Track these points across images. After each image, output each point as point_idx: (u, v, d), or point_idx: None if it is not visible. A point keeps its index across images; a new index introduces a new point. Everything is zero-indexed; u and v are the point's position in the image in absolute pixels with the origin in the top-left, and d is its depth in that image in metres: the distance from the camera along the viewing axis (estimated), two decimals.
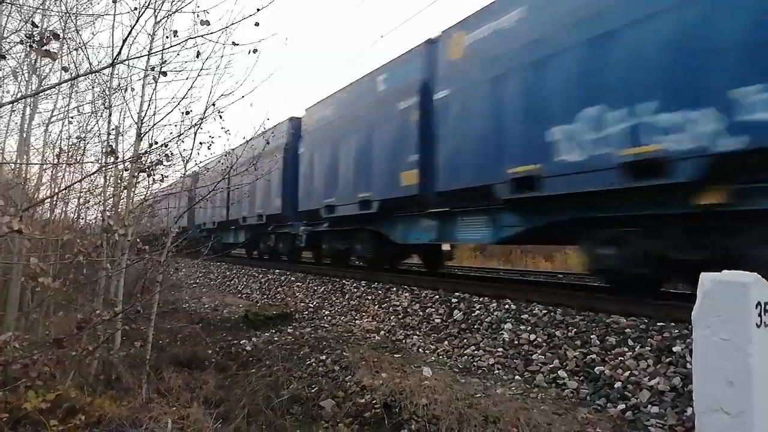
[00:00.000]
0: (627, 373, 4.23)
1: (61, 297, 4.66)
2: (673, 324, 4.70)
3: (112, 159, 3.64)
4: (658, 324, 4.79)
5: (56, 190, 5.65)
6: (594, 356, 4.66)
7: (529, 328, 5.63)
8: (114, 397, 4.38)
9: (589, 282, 10.04)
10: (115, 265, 4.79)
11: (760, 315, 2.82)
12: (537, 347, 5.21)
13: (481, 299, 6.85)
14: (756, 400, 2.76)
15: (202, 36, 3.23)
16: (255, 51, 3.83)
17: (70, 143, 6.47)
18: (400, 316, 7.28)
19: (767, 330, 2.86)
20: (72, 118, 6.21)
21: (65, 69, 3.00)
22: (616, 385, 4.14)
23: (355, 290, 9.22)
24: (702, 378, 3.02)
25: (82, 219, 7.19)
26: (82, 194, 6.53)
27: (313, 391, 5.07)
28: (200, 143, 5.34)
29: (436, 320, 6.73)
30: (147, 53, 3.84)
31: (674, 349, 4.28)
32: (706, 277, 2.98)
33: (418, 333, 6.56)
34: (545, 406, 3.94)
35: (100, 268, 4.81)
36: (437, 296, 7.50)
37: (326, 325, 7.72)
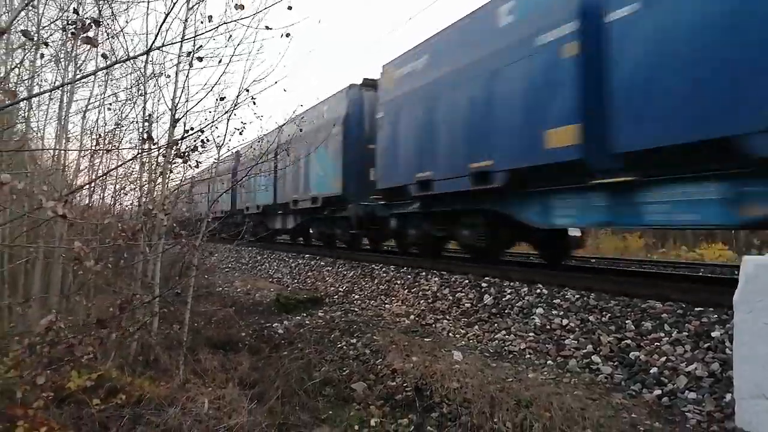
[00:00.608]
0: (663, 359, 4.16)
1: (102, 280, 4.80)
2: (711, 309, 4.59)
3: (148, 145, 3.72)
4: (696, 309, 4.69)
5: (94, 177, 5.81)
6: (629, 341, 4.59)
7: (562, 312, 5.56)
8: (153, 378, 4.52)
9: (620, 267, 9.89)
10: (152, 249, 4.91)
11: None
12: (570, 332, 5.16)
13: (511, 284, 6.80)
14: None
15: (235, 21, 3.24)
16: (288, 35, 3.83)
17: (107, 130, 6.63)
18: (429, 301, 7.28)
19: None
20: (109, 105, 6.35)
21: (105, 56, 3.06)
22: (651, 371, 4.08)
23: (385, 274, 9.26)
24: (743, 363, 2.95)
25: (119, 205, 7.37)
26: (118, 180, 6.70)
27: (344, 373, 5.13)
28: (234, 129, 5.39)
29: (466, 305, 6.72)
30: (180, 40, 3.88)
31: (713, 334, 4.18)
32: (750, 261, 2.90)
33: (448, 317, 6.56)
34: (578, 391, 3.90)
35: (138, 252, 4.94)
36: (467, 281, 7.48)
37: (356, 309, 7.78)
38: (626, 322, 4.89)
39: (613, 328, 4.89)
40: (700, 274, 8.13)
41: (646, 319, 4.81)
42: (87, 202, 6.89)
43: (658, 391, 3.82)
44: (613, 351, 4.57)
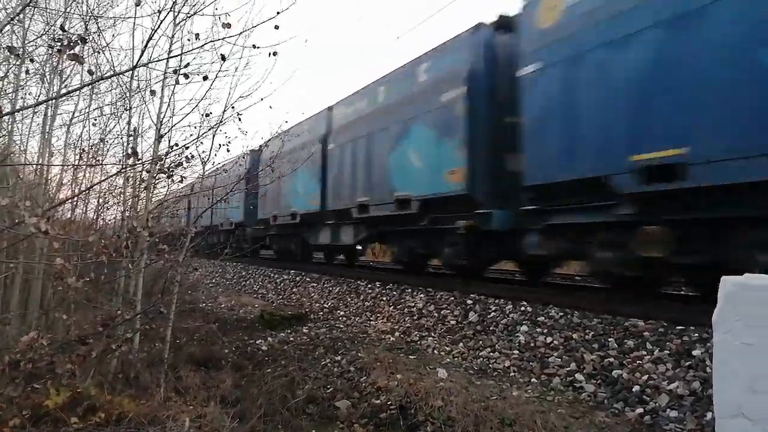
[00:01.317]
0: (645, 377, 4.19)
1: (82, 296, 4.73)
2: (692, 327, 4.64)
3: (133, 160, 3.70)
4: (677, 327, 4.74)
5: (77, 191, 5.75)
6: (612, 359, 4.62)
7: (546, 330, 5.59)
8: (133, 396, 4.44)
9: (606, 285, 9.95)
10: (134, 265, 4.86)
11: None
12: (553, 350, 5.18)
13: (496, 301, 6.82)
14: None
15: (221, 39, 3.26)
16: (275, 54, 3.86)
17: (91, 144, 6.58)
18: (415, 318, 7.27)
19: None
20: (93, 119, 6.32)
21: (90, 72, 3.06)
22: (634, 389, 4.10)
23: (370, 291, 9.23)
24: (723, 383, 2.98)
25: (102, 219, 7.29)
26: (102, 195, 6.63)
27: (328, 391, 5.09)
28: (219, 145, 5.39)
29: (451, 322, 6.72)
30: (167, 56, 3.89)
31: (694, 352, 4.23)
32: (728, 280, 2.94)
33: (433, 334, 6.55)
34: (562, 410, 3.91)
35: (120, 268, 4.88)
36: (452, 297, 7.48)
37: (341, 326, 7.75)
38: (609, 340, 4.92)
39: (596, 346, 4.93)
40: (682, 292, 8.20)
41: (629, 338, 4.85)
42: (69, 216, 6.82)
43: (640, 410, 3.85)
44: (596, 369, 4.60)
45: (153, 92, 4.49)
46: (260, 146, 14.26)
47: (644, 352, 4.53)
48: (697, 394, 3.78)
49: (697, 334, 4.47)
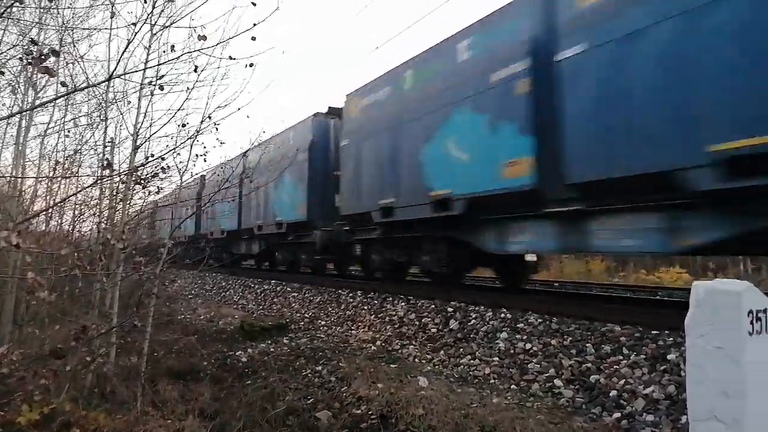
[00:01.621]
0: (622, 382, 4.25)
1: (56, 310, 4.64)
2: (667, 332, 4.72)
3: (108, 172, 3.66)
4: (652, 332, 4.82)
5: (52, 203, 5.66)
6: (589, 365, 4.68)
7: (525, 337, 5.64)
8: (109, 411, 4.36)
9: (582, 291, 10.09)
10: (110, 277, 4.79)
11: (752, 323, 2.85)
12: (533, 356, 5.22)
13: (476, 308, 6.86)
14: (750, 408, 2.78)
15: (197, 51, 3.26)
16: (252, 65, 3.86)
17: (66, 156, 6.49)
18: (396, 326, 7.28)
19: (759, 338, 2.89)
20: (68, 130, 6.23)
21: (64, 84, 3.03)
22: (611, 394, 4.16)
23: (351, 300, 9.21)
24: (695, 386, 3.04)
25: (78, 231, 7.18)
26: (77, 206, 6.53)
27: (309, 402, 5.06)
28: (196, 155, 5.36)
29: (432, 330, 6.73)
30: (143, 67, 3.87)
31: (669, 356, 4.30)
32: (699, 286, 3.01)
33: (414, 343, 6.56)
34: (541, 416, 3.94)
35: (96, 281, 4.80)
36: (433, 306, 7.51)
37: (322, 336, 7.71)
38: (587, 345, 4.99)
39: (574, 352, 4.98)
40: (658, 297, 8.35)
41: (606, 343, 4.92)
42: (44, 228, 6.70)
43: (617, 414, 3.90)
44: (574, 374, 4.65)
45: (129, 103, 4.46)
46: (247, 150, 14.10)
47: (621, 357, 4.60)
48: (673, 398, 3.84)
49: (671, 339, 4.55)
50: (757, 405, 2.82)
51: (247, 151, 8.16)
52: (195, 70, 3.53)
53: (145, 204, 6.86)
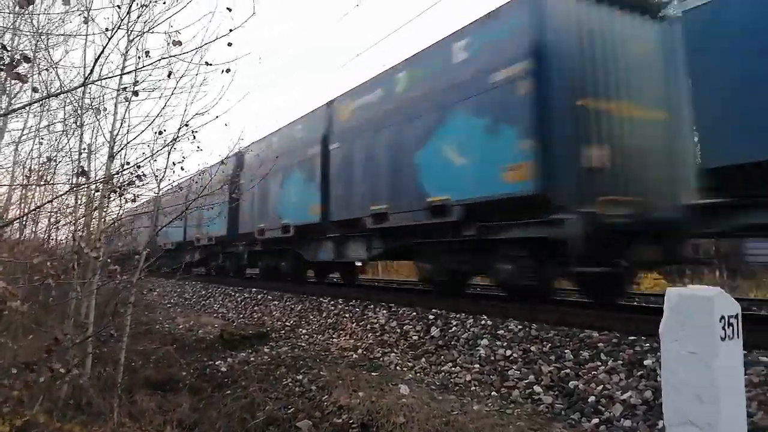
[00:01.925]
0: (600, 387, 4.30)
1: (30, 320, 4.54)
2: (644, 338, 4.79)
3: (84, 180, 3.60)
4: (629, 338, 4.88)
5: (26, 211, 5.55)
6: (568, 371, 4.72)
7: (505, 343, 5.67)
8: (84, 422, 4.28)
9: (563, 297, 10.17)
10: (85, 286, 4.70)
11: (724, 328, 2.91)
12: (513, 363, 5.26)
13: (458, 315, 6.88)
14: (723, 412, 2.83)
15: (175, 57, 3.23)
16: (228, 71, 3.84)
17: (41, 163, 6.37)
18: (377, 334, 7.26)
19: (731, 342, 2.95)
20: (42, 137, 6.13)
21: (35, 90, 2.98)
22: (589, 400, 4.20)
23: (333, 308, 9.18)
24: (671, 391, 3.08)
25: (53, 239, 7.05)
26: (52, 214, 6.41)
27: (289, 412, 5.01)
28: (173, 163, 5.30)
29: (413, 337, 6.74)
30: (119, 73, 3.83)
31: (645, 362, 4.37)
32: (672, 292, 3.06)
33: (395, 350, 6.55)
34: (521, 422, 3.96)
35: (71, 290, 4.71)
36: (414, 313, 7.51)
37: (303, 344, 7.66)
38: (566, 351, 5.03)
39: (553, 358, 5.03)
40: (635, 303, 8.46)
41: (584, 349, 4.97)
42: (18, 236, 6.57)
43: (596, 420, 3.94)
44: (553, 381, 4.68)
45: (104, 109, 4.40)
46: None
47: (599, 363, 4.65)
48: (649, 403, 3.90)
49: (648, 344, 4.62)
50: (730, 409, 2.88)
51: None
52: (169, 76, 3.51)
53: (121, 212, 6.77)
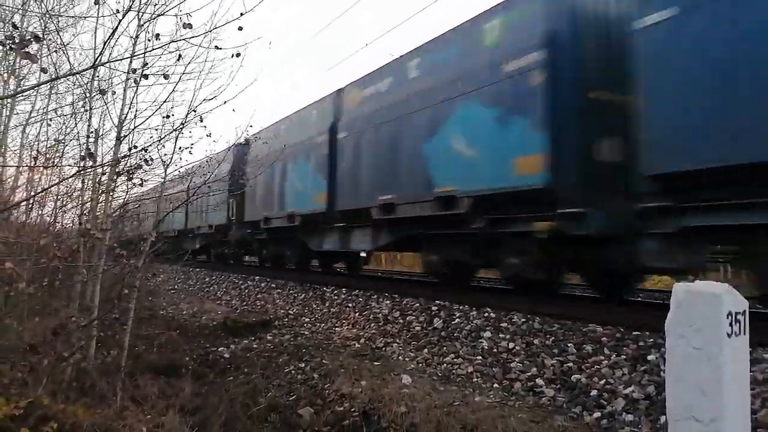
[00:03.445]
0: (603, 381, 4.29)
1: (36, 302, 4.56)
2: (648, 333, 4.78)
3: (91, 163, 3.60)
4: (633, 333, 4.87)
5: (32, 193, 5.57)
6: (571, 364, 4.71)
7: (508, 336, 5.67)
8: (87, 405, 4.30)
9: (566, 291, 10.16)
10: (91, 269, 4.72)
11: (731, 324, 2.89)
12: (515, 355, 5.25)
13: (461, 307, 6.88)
14: (727, 408, 2.82)
15: (184, 39, 3.21)
16: (238, 55, 3.82)
17: (48, 145, 6.38)
18: (380, 324, 7.27)
19: (738, 339, 2.93)
20: (50, 120, 6.13)
21: (44, 71, 2.97)
22: (592, 393, 4.19)
23: (336, 297, 9.19)
24: (674, 386, 3.07)
25: (59, 223, 7.07)
26: (59, 198, 6.43)
27: (291, 399, 5.03)
28: (180, 148, 5.29)
29: (416, 328, 6.74)
30: (129, 56, 3.82)
31: (649, 357, 4.35)
32: (679, 288, 3.04)
33: (398, 341, 6.56)
34: (523, 414, 3.96)
35: (76, 273, 4.73)
36: (418, 304, 7.52)
37: (306, 333, 7.68)
38: (569, 345, 5.03)
39: (556, 351, 5.02)
40: (639, 299, 8.44)
41: (588, 343, 4.96)
42: (24, 219, 6.59)
43: (597, 414, 3.93)
44: (555, 374, 4.68)
45: (113, 93, 4.39)
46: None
47: (602, 357, 4.64)
48: (652, 398, 3.89)
49: (652, 340, 4.61)
50: (734, 405, 2.87)
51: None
52: (178, 58, 3.49)
53: (128, 196, 6.78)
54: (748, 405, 3.06)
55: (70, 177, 4.61)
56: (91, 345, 4.87)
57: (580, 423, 3.84)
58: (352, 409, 4.51)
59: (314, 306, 9.16)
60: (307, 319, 8.56)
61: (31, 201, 5.79)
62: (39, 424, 3.70)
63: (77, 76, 5.10)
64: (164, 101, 4.92)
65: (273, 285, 11.81)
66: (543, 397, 4.40)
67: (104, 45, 2.68)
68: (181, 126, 4.69)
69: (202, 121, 4.89)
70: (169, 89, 4.70)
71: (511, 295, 7.77)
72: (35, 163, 5.57)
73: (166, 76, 3.64)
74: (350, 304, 8.54)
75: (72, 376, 4.74)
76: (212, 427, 4.22)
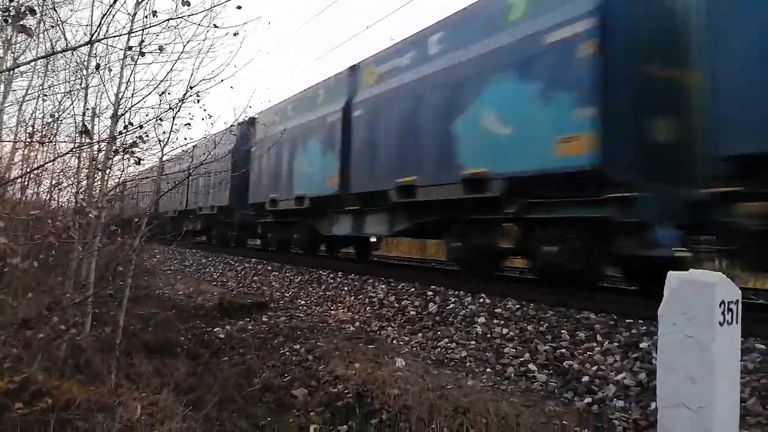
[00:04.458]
0: (595, 368, 4.33)
1: (30, 278, 4.56)
2: (641, 321, 4.81)
3: (87, 139, 3.57)
4: (626, 320, 4.90)
5: (28, 170, 5.54)
6: (564, 350, 4.75)
7: (502, 322, 5.70)
8: (82, 382, 4.32)
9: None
10: (86, 247, 4.71)
11: (723, 313, 2.91)
12: (509, 341, 5.29)
13: (456, 293, 6.91)
14: (717, 396, 2.85)
15: (182, 17, 3.18)
16: (236, 34, 3.78)
17: (44, 122, 6.33)
18: (375, 308, 7.31)
19: (730, 328, 2.96)
20: (46, 96, 6.08)
21: (40, 41, 2.94)
22: (583, 379, 4.23)
23: (332, 281, 9.22)
24: (665, 373, 3.10)
25: (55, 201, 7.04)
26: (54, 175, 6.40)
27: (285, 380, 5.07)
28: (178, 126, 5.23)
29: (411, 312, 6.77)
30: (127, 32, 3.77)
31: (641, 345, 4.39)
32: (673, 276, 3.06)
33: (392, 324, 6.59)
34: (514, 398, 4.00)
35: (71, 250, 4.72)
36: (413, 288, 7.54)
37: (301, 315, 7.71)
38: (562, 331, 5.06)
39: (549, 337, 5.06)
40: (633, 288, 8.47)
41: (581, 329, 5.00)
42: (20, 196, 6.56)
43: (588, 399, 3.97)
44: (548, 359, 4.72)
45: (110, 70, 4.34)
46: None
47: (594, 344, 4.67)
48: (643, 385, 3.92)
49: (644, 327, 4.64)
50: (724, 394, 2.90)
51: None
52: (177, 36, 3.45)
53: (124, 175, 6.74)
54: (737, 394, 3.09)
55: (66, 154, 4.59)
56: (86, 322, 4.87)
57: (571, 408, 3.87)
58: (346, 391, 4.54)
59: (310, 289, 9.19)
60: (303, 302, 8.59)
61: (26, 178, 5.77)
62: (33, 400, 3.72)
63: (74, 53, 5.05)
64: (162, 80, 4.88)
65: (269, 267, 11.83)
66: (535, 382, 4.43)
67: (101, 20, 2.65)
68: (180, 103, 4.64)
69: (199, 100, 4.84)
70: (167, 68, 4.66)
71: (506, 282, 7.79)
72: (31, 140, 5.53)
73: (161, 49, 3.59)
74: (346, 288, 8.57)
75: (67, 353, 4.75)
76: (206, 406, 4.25)
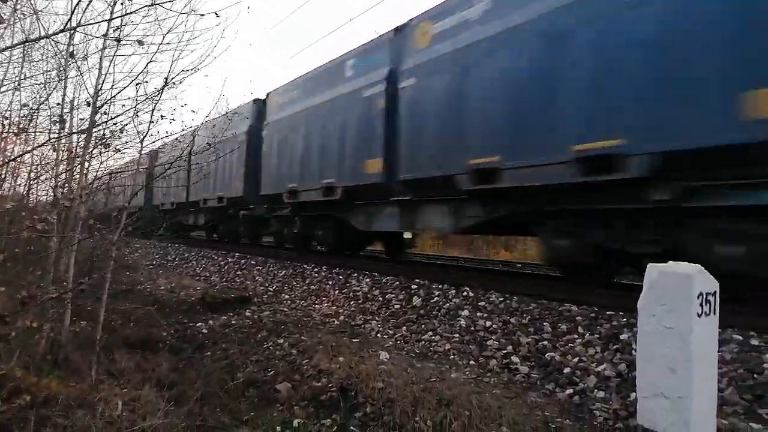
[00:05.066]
0: (576, 359, 4.38)
1: (6, 272, 4.47)
2: (621, 313, 4.87)
3: (62, 129, 3.50)
4: (607, 312, 4.96)
5: (3, 161, 5.41)
6: (546, 342, 4.80)
7: (486, 315, 5.73)
8: (61, 378, 4.26)
9: (543, 271, 10.31)
10: (65, 241, 4.63)
11: (701, 305, 2.96)
12: (492, 333, 5.32)
13: (440, 286, 6.93)
14: (695, 386, 2.90)
15: (160, 4, 3.12)
16: (217, 15, 3.73)
17: (21, 114, 6.19)
18: (360, 302, 7.30)
19: (708, 319, 3.01)
20: (23, 86, 5.94)
21: (15, 32, 2.86)
22: (565, 371, 4.28)
23: (316, 275, 9.19)
24: (645, 364, 3.15)
25: (33, 194, 6.91)
26: (32, 168, 6.27)
27: (269, 374, 5.05)
28: (159, 117, 5.13)
29: (395, 306, 6.78)
30: (105, 20, 3.70)
31: (621, 336, 4.45)
32: (652, 268, 3.10)
33: (377, 318, 6.60)
34: (497, 390, 4.03)
35: (49, 244, 4.64)
36: (397, 282, 7.55)
37: (285, 309, 7.68)
38: (544, 324, 5.11)
39: (532, 330, 5.10)
40: (615, 280, 8.58)
41: (563, 322, 5.05)
42: None
43: (570, 390, 4.01)
44: (530, 352, 4.76)
45: (85, 59, 4.25)
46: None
47: (576, 336, 4.73)
48: (623, 376, 3.98)
49: (624, 319, 4.70)
50: (702, 384, 2.95)
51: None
52: (158, 26, 3.38)
53: (104, 168, 6.63)
54: (715, 384, 3.14)
55: (42, 145, 4.49)
56: (65, 318, 4.80)
57: (552, 399, 3.92)
58: (330, 385, 4.53)
59: (294, 283, 9.15)
60: (287, 296, 8.56)
61: (3, 170, 5.65)
62: (12, 396, 3.66)
63: (52, 43, 4.95)
64: (141, 72, 4.80)
65: (253, 262, 11.76)
66: (517, 374, 4.47)
67: (75, 6, 2.58)
68: (159, 93, 4.57)
69: (176, 86, 4.74)
70: (146, 60, 4.59)
71: (492, 275, 7.83)
72: (6, 131, 5.41)
73: (140, 42, 3.53)
74: (330, 282, 8.55)
75: (46, 349, 4.69)
76: (189, 401, 4.21)
